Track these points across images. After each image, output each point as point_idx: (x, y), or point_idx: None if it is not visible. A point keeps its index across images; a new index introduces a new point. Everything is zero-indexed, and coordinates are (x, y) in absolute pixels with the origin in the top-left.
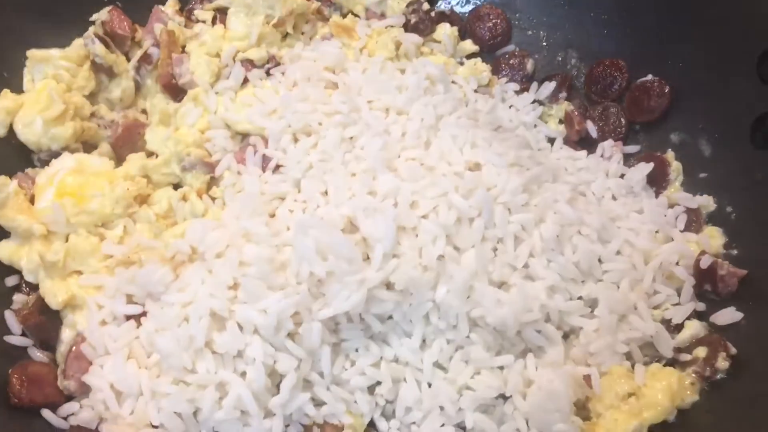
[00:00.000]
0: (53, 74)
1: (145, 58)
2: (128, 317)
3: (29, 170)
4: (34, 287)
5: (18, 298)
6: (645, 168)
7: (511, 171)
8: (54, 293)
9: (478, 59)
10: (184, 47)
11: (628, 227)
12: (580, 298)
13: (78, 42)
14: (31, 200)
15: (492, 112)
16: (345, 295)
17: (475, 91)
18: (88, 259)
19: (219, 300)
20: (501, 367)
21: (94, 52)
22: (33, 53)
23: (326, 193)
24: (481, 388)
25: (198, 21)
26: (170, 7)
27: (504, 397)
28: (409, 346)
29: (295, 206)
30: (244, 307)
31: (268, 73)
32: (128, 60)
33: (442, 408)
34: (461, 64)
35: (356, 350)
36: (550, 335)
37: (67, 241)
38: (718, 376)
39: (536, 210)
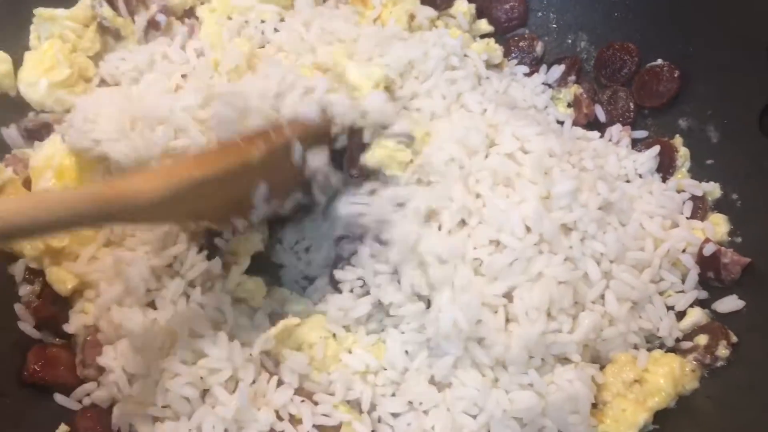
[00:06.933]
0: (59, 34)
1: (154, 24)
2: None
3: (16, 152)
4: (37, 273)
5: (24, 289)
6: (652, 153)
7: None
8: (62, 280)
9: (491, 39)
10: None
11: (642, 210)
12: None
13: (84, 2)
14: (25, 183)
15: (506, 91)
16: None
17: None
18: (90, 243)
19: None
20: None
21: (102, 15)
22: (40, 12)
23: None
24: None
25: None
26: None
27: None
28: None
29: None
30: None
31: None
32: (133, 20)
33: None
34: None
35: None
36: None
37: None
38: (719, 364)
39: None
